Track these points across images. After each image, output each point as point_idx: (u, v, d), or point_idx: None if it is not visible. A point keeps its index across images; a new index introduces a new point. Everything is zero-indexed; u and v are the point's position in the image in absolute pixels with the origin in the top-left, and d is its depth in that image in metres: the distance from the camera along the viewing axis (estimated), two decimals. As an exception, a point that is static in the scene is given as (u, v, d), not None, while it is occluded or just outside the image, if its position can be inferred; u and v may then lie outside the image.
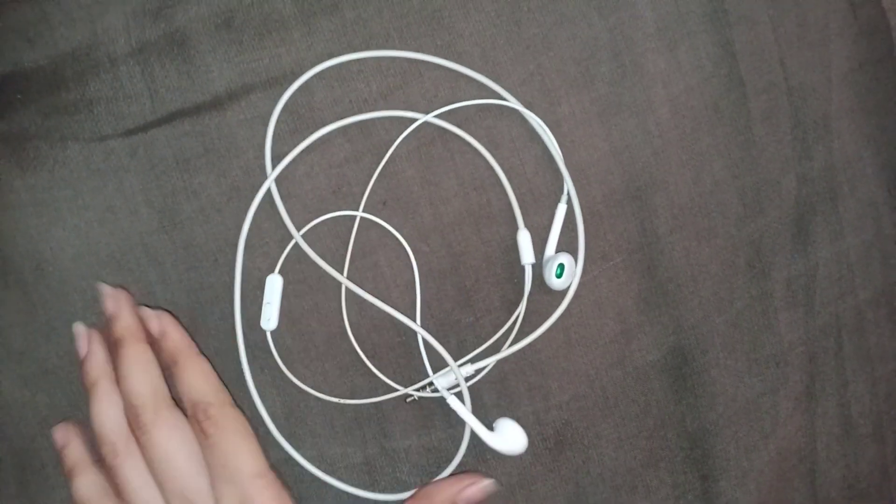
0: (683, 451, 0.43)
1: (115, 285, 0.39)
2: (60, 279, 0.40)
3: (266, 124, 0.40)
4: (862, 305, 0.45)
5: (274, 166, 0.40)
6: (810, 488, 0.44)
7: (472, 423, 0.39)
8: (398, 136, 0.40)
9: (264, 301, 0.40)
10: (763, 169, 0.43)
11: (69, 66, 0.40)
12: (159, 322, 0.38)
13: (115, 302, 0.38)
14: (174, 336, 0.38)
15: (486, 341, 0.41)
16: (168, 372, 0.38)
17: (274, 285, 0.40)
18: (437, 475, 0.41)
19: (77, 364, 0.39)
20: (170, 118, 0.40)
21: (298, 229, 0.40)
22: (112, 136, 0.40)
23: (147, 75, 0.40)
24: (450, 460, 0.41)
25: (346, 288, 0.40)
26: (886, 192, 0.45)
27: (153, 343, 0.38)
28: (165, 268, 0.40)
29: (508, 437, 0.39)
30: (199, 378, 0.37)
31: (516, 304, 0.41)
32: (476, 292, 0.41)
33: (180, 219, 0.40)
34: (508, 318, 0.41)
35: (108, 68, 0.40)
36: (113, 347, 0.37)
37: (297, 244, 0.40)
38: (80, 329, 0.38)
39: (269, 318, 0.40)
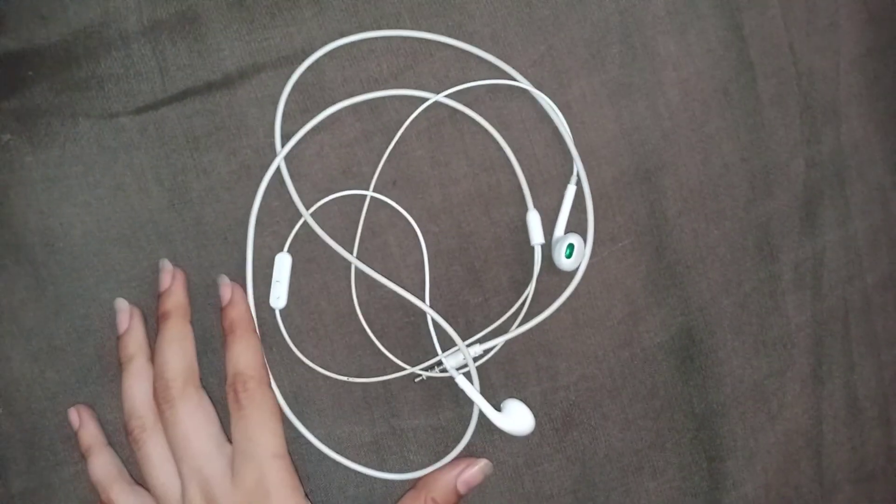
0: (690, 433, 0.43)
1: (128, 260, 0.40)
2: (70, 255, 0.40)
3: (276, 103, 0.40)
4: (869, 289, 0.45)
5: (284, 145, 0.40)
6: (816, 470, 0.44)
7: (480, 402, 0.39)
8: (408, 116, 0.40)
9: (273, 279, 0.40)
10: (772, 152, 0.43)
11: (81, 43, 0.40)
12: (231, 290, 0.39)
13: (172, 278, 0.39)
14: (240, 307, 0.39)
15: (494, 321, 0.41)
16: (222, 340, 0.39)
17: (283, 264, 0.40)
18: (445, 455, 0.41)
19: (89, 338, 0.39)
20: (180, 96, 0.40)
21: (308, 208, 0.40)
22: (123, 113, 0.40)
23: (158, 53, 0.40)
24: (458, 440, 0.41)
25: (355, 267, 0.40)
26: (894, 176, 0.46)
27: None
28: (175, 245, 0.40)
29: (516, 418, 0.39)
30: (248, 352, 0.38)
31: (525, 285, 0.41)
32: (485, 272, 0.41)
33: (190, 197, 0.40)
34: (517, 299, 0.41)
35: (119, 46, 0.40)
36: (158, 320, 0.38)
37: (306, 223, 0.40)
38: (122, 304, 0.39)
39: (279, 296, 0.40)
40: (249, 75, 0.40)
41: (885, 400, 0.45)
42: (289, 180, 0.40)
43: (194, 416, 0.36)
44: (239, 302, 0.39)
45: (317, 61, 0.40)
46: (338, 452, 0.41)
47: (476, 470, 0.38)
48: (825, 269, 0.44)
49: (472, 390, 0.39)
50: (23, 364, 0.40)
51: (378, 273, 0.40)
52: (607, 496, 0.42)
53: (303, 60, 0.40)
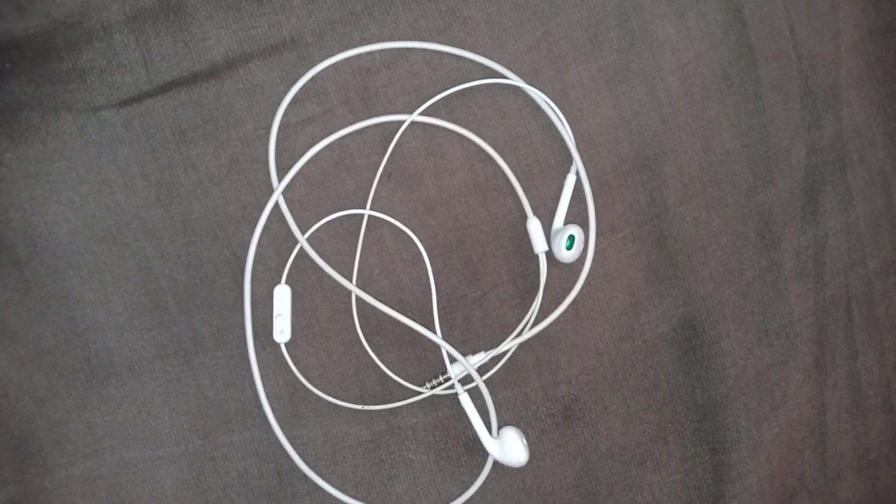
0: (693, 424, 0.42)
1: (114, 259, 0.38)
2: (55, 255, 0.38)
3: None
4: (871, 275, 0.44)
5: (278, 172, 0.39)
6: (820, 459, 0.44)
7: (478, 426, 0.39)
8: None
9: (274, 313, 0.39)
10: (773, 138, 0.43)
11: (61, 34, 0.38)
12: None
13: None
14: None
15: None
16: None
17: (283, 296, 0.39)
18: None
19: (77, 340, 0.38)
20: (166, 88, 0.39)
21: (302, 232, 0.39)
22: (106, 106, 0.38)
23: (142, 44, 0.38)
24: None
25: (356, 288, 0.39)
26: (895, 160, 0.45)
27: None
28: (163, 243, 0.39)
29: (508, 450, 0.38)
30: None
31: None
32: (483, 266, 0.40)
33: (178, 192, 0.39)
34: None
35: (101, 37, 0.38)
36: None
37: (302, 248, 0.39)
38: None
39: (282, 330, 0.39)
40: (237, 65, 0.39)
41: (888, 388, 0.45)
42: (288, 214, 0.39)
43: None
44: None
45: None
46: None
47: None
48: (827, 256, 0.44)
49: (473, 413, 0.39)
50: (9, 368, 0.38)
51: (383, 284, 0.39)
52: (609, 490, 0.42)
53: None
